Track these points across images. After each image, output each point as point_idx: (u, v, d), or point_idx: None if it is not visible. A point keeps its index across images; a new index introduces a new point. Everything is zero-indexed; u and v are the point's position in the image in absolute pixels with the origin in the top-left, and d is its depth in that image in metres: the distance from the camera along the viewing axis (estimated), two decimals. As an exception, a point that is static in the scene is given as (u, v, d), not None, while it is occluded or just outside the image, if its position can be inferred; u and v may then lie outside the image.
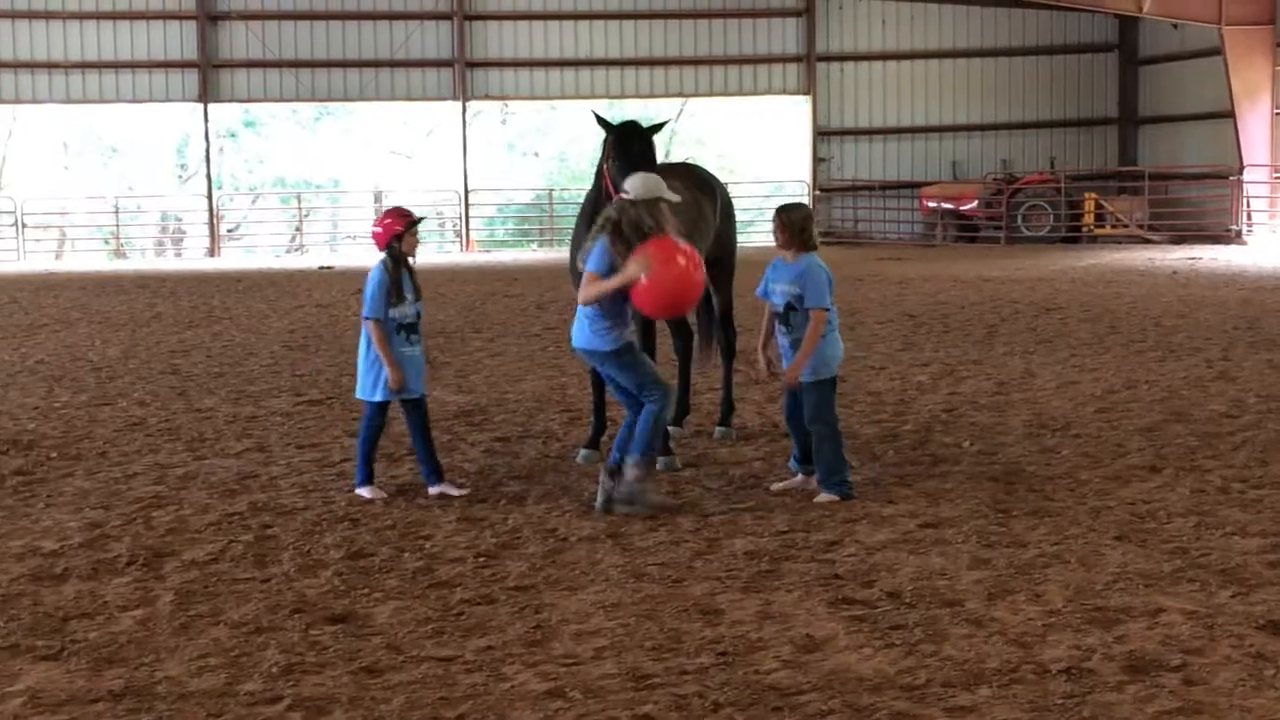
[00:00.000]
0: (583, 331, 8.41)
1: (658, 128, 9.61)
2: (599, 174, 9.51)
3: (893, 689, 5.38)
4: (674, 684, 5.48)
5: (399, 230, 8.73)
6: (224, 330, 18.86)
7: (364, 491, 8.80)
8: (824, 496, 8.45)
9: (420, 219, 8.93)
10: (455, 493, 8.78)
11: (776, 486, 8.84)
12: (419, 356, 8.86)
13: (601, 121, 9.55)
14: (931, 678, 5.48)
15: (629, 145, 9.17)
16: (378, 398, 8.79)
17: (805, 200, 40.23)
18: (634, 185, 8.23)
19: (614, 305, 8.27)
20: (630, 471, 8.23)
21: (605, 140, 9.41)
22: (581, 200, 10.08)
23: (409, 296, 8.74)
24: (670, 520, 8.03)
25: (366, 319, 8.72)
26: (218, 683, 5.58)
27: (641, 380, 8.34)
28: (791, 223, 8.56)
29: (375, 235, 8.85)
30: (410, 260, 8.86)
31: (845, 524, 7.87)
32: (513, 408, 11.94)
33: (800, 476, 8.80)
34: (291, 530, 7.97)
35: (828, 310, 8.49)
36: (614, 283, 8.16)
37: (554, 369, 14.41)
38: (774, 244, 8.80)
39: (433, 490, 8.82)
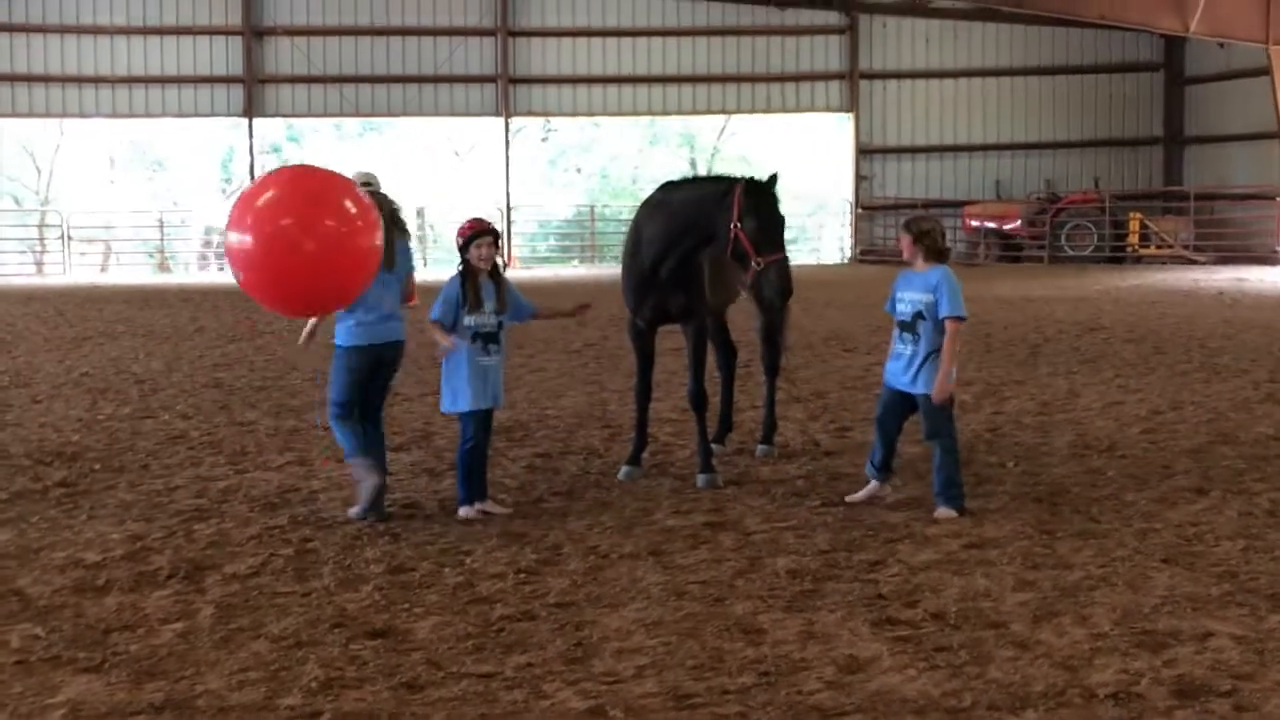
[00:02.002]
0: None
1: (775, 179, 9.21)
2: (709, 217, 9.09)
3: (937, 711, 5.32)
4: (716, 704, 5.43)
5: (459, 242, 8.70)
6: (266, 344, 18.93)
7: (469, 510, 8.65)
8: (944, 511, 8.39)
9: (482, 232, 8.68)
10: (498, 511, 8.70)
11: (854, 498, 8.77)
12: (497, 368, 8.73)
13: (751, 183, 9.03)
14: (976, 700, 5.41)
15: (765, 201, 8.91)
16: (459, 407, 8.64)
17: (848, 218, 40.23)
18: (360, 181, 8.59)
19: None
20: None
21: (729, 193, 8.98)
22: (629, 222, 9.96)
23: (489, 306, 8.62)
24: (712, 538, 7.98)
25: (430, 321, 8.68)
26: (257, 696, 5.57)
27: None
28: (922, 233, 8.62)
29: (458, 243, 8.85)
30: (500, 270, 8.81)
31: (888, 544, 7.80)
32: (554, 424, 11.92)
33: (875, 484, 8.71)
34: (332, 544, 7.97)
35: (964, 320, 8.55)
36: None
37: (595, 385, 14.40)
38: (900, 258, 8.78)
39: (477, 508, 8.70)
